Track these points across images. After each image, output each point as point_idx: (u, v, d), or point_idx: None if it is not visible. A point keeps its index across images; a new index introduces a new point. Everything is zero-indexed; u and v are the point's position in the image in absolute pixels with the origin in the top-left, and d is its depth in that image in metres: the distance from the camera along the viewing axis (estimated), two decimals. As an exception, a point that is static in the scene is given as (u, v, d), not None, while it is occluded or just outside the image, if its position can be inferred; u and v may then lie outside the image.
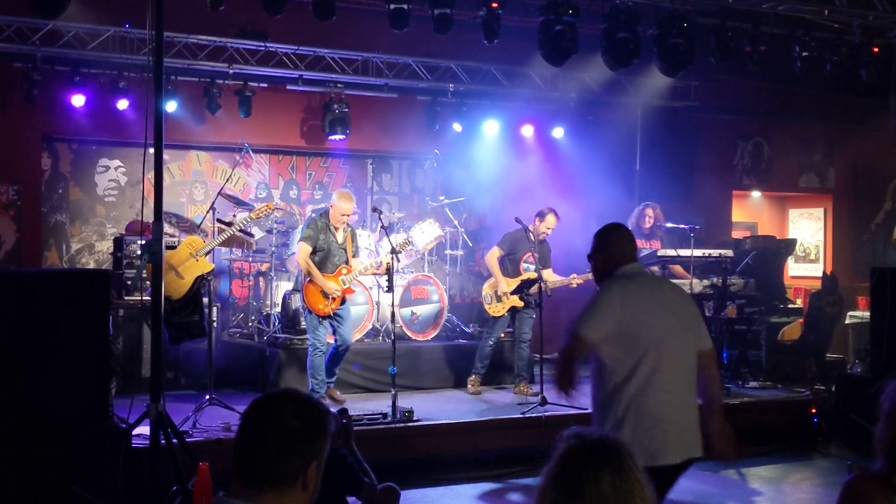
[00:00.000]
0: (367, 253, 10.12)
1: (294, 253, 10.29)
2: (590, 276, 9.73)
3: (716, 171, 14.33)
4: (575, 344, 4.35)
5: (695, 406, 4.40)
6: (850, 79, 10.53)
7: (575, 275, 9.80)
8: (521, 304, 9.76)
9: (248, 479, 2.29)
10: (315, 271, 8.63)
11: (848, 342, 12.80)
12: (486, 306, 9.84)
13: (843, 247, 15.39)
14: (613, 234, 4.62)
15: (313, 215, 9.01)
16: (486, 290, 9.87)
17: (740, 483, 8.26)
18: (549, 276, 9.79)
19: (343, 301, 8.81)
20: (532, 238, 9.56)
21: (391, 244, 8.83)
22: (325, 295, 8.65)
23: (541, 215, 9.79)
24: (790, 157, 15.14)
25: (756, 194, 15.57)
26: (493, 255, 9.85)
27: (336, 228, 8.79)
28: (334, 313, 8.74)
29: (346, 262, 8.87)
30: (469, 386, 9.90)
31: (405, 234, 10.59)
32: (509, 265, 9.82)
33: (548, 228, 9.77)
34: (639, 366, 4.26)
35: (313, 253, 8.72)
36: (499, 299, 9.74)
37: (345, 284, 8.77)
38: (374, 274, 9.34)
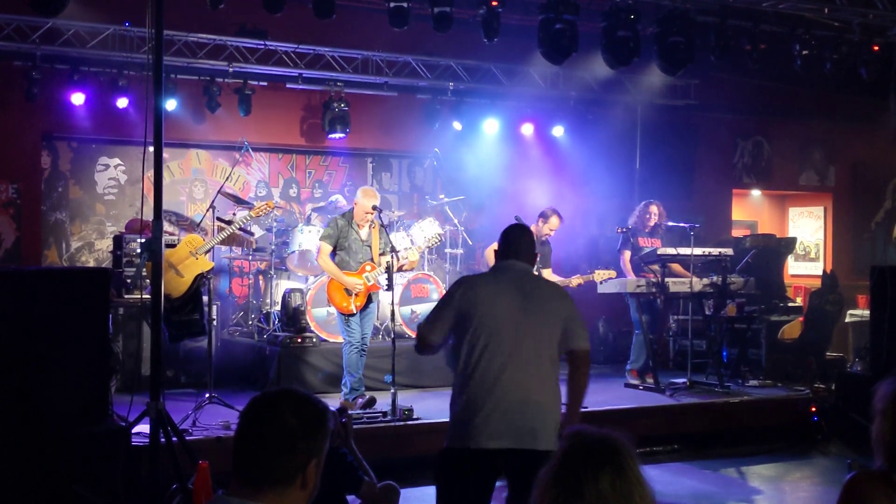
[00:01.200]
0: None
1: (294, 252, 10.29)
2: (591, 276, 9.79)
3: (716, 169, 14.34)
4: None
5: (535, 397, 4.38)
6: (851, 77, 10.52)
7: (578, 275, 9.80)
8: None
9: (248, 478, 2.29)
10: (334, 269, 8.57)
11: (848, 341, 12.80)
12: None
13: (843, 245, 15.39)
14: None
15: (335, 216, 8.94)
16: None
17: (740, 482, 8.26)
18: (549, 277, 9.78)
19: (369, 299, 8.75)
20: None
21: (391, 243, 8.81)
22: (349, 293, 8.60)
23: (544, 216, 9.77)
24: (790, 155, 15.14)
25: (756, 193, 15.57)
26: (492, 250, 9.81)
27: (360, 226, 8.74)
28: (360, 311, 8.66)
29: (372, 259, 8.79)
30: None
31: (405, 233, 10.59)
32: None
33: (550, 230, 9.75)
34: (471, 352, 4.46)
35: (334, 252, 8.68)
36: None
37: (369, 281, 8.68)
38: (403, 270, 9.20)
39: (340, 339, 9.34)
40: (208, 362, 8.40)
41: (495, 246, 9.63)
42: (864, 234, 15.52)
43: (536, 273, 4.61)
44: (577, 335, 4.54)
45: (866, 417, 3.18)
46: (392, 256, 8.76)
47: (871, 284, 9.29)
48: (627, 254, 10.22)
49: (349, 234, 8.68)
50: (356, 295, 8.59)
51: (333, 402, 8.42)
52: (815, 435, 9.47)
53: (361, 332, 8.72)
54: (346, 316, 8.63)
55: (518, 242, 4.70)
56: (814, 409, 9.64)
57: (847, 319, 12.66)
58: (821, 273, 13.07)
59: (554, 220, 9.71)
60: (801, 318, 11.73)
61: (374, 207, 9.02)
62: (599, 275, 9.75)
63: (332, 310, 8.93)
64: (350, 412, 7.28)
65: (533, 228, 9.56)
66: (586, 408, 5.69)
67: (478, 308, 4.45)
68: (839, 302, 11.76)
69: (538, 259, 9.36)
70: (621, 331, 12.03)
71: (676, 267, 10.39)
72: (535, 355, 4.42)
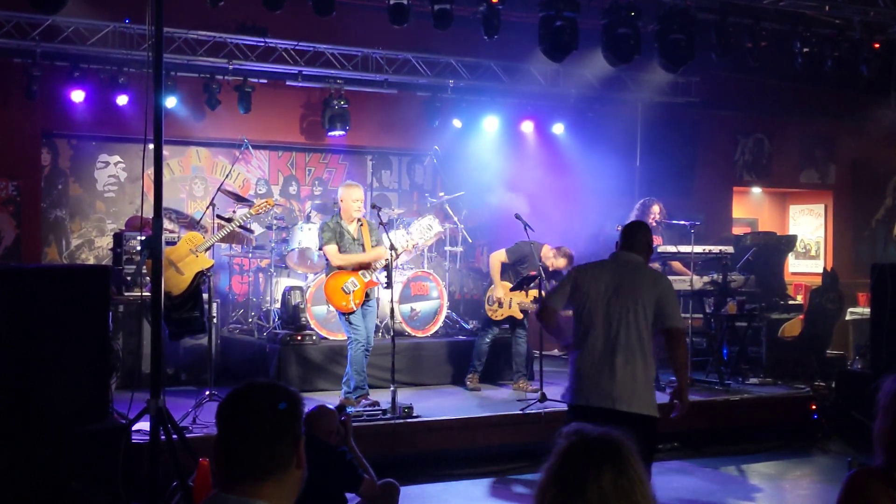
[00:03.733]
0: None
1: (294, 249, 10.28)
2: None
3: (716, 167, 14.33)
4: None
5: (624, 366, 5.25)
6: (851, 75, 10.52)
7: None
8: (521, 316, 9.75)
9: (245, 473, 2.29)
10: (353, 258, 8.57)
11: (848, 338, 12.80)
12: (488, 307, 9.81)
13: (843, 243, 15.39)
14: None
15: (324, 221, 8.94)
16: (492, 294, 9.84)
17: (740, 479, 8.26)
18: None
19: (368, 296, 8.75)
20: (538, 258, 9.55)
21: (391, 241, 8.81)
22: (346, 291, 8.60)
23: (559, 252, 9.67)
24: (791, 153, 15.13)
25: (756, 190, 15.57)
26: (497, 259, 9.81)
27: (349, 223, 8.75)
28: (360, 307, 8.65)
29: None
30: (468, 382, 9.90)
31: (405, 230, 10.58)
32: (511, 276, 9.79)
33: (558, 267, 9.63)
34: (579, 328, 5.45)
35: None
36: (500, 305, 9.74)
37: (366, 278, 8.69)
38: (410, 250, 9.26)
39: (340, 337, 9.37)
40: (208, 360, 8.40)
41: (503, 256, 9.58)
42: (864, 231, 15.51)
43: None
44: (669, 315, 5.32)
45: (867, 415, 3.18)
46: (391, 255, 8.77)
47: (871, 282, 9.28)
48: None
49: (342, 234, 8.69)
50: (354, 293, 8.60)
51: (333, 400, 8.43)
52: (815, 433, 9.47)
53: (366, 329, 8.71)
54: (347, 315, 8.62)
55: (632, 237, 5.56)
56: (814, 406, 9.64)
57: (847, 317, 12.66)
58: (821, 271, 13.07)
59: (562, 262, 9.61)
60: (801, 316, 11.73)
61: (374, 206, 9.02)
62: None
63: (332, 307, 8.91)
64: (348, 410, 7.28)
65: (541, 253, 9.56)
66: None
67: (585, 288, 5.40)
68: (839, 300, 11.76)
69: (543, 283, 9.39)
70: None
71: (676, 265, 10.39)
72: (627, 331, 5.26)
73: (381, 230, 8.78)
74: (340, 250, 8.64)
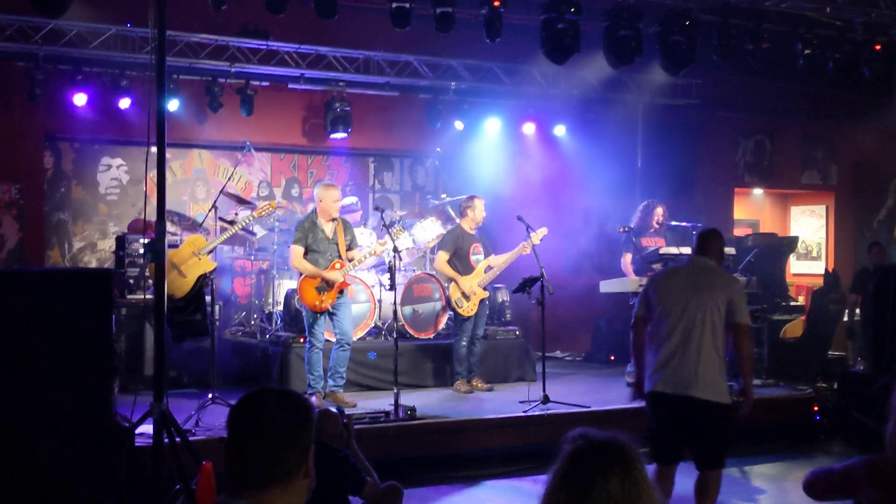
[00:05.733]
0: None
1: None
2: (532, 240, 9.70)
3: (717, 168, 14.34)
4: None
5: (697, 358, 5.79)
6: (853, 76, 10.52)
7: (523, 243, 9.77)
8: (486, 293, 9.83)
9: (252, 480, 2.30)
10: (311, 268, 8.63)
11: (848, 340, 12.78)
12: (459, 310, 9.76)
13: (845, 244, 15.38)
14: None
15: (300, 218, 8.99)
16: (454, 294, 9.79)
17: (743, 481, 8.26)
18: (497, 260, 9.89)
19: (341, 293, 8.79)
20: (470, 229, 9.78)
21: (394, 243, 8.83)
22: (320, 290, 8.64)
23: (472, 206, 9.83)
24: (792, 154, 15.14)
25: (758, 192, 15.57)
26: (442, 261, 9.79)
27: (325, 222, 8.78)
28: (332, 308, 8.72)
29: (339, 256, 8.83)
30: (457, 388, 9.83)
31: (407, 232, 10.59)
32: (459, 263, 9.81)
33: (482, 214, 9.86)
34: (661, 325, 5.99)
35: (305, 253, 8.73)
36: (467, 298, 9.74)
37: (339, 279, 8.75)
38: (373, 255, 9.31)
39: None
40: (211, 362, 8.40)
41: (444, 255, 9.91)
42: (866, 232, 15.50)
43: None
44: (738, 312, 5.83)
45: (869, 416, 3.21)
46: (394, 257, 8.79)
47: (873, 283, 9.28)
48: (629, 256, 10.22)
49: (316, 234, 8.72)
50: (328, 293, 8.64)
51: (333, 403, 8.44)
52: (817, 434, 9.46)
53: (342, 328, 8.75)
54: (315, 314, 8.66)
55: (706, 244, 6.10)
56: (816, 407, 9.63)
57: (847, 318, 12.64)
58: (822, 272, 13.06)
59: (480, 204, 9.86)
60: (803, 318, 11.72)
61: (377, 208, 9.05)
62: (536, 237, 9.73)
63: (304, 305, 8.90)
64: (348, 412, 7.30)
65: (466, 217, 9.81)
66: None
67: (665, 290, 5.99)
68: (841, 301, 11.75)
69: (484, 248, 9.80)
70: (624, 330, 12.01)
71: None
72: (703, 328, 5.78)
73: (384, 232, 8.79)
74: (312, 248, 8.72)
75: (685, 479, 6.65)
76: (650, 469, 5.44)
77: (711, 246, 6.09)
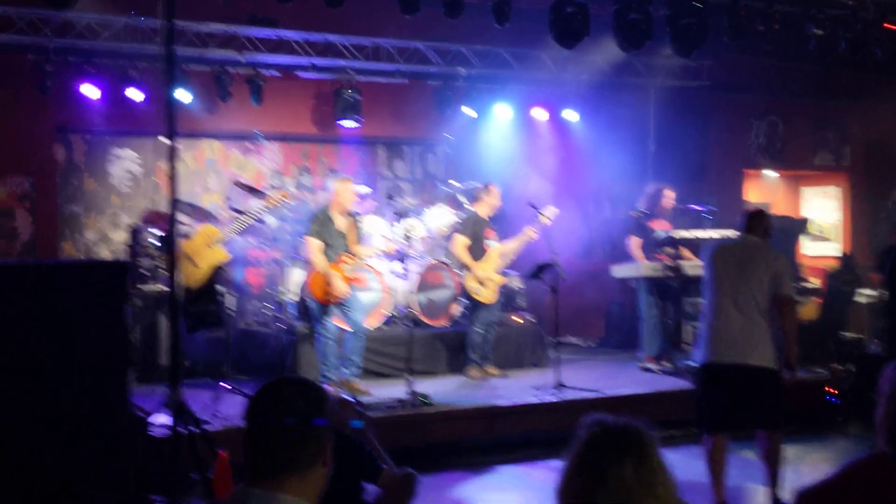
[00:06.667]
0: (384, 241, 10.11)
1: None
2: (541, 222, 9.72)
3: (729, 150, 14.29)
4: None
5: (748, 327, 6.26)
6: (865, 56, 10.44)
7: (529, 226, 9.80)
8: (504, 279, 9.84)
9: (271, 469, 2.31)
10: (326, 267, 8.61)
11: (864, 321, 12.73)
12: (477, 297, 9.78)
13: (859, 225, 15.31)
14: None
15: (313, 210, 8.99)
16: (470, 282, 9.79)
17: (758, 464, 8.23)
18: (508, 245, 9.90)
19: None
20: (485, 215, 9.89)
21: (406, 231, 8.84)
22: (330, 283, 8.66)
23: (489, 193, 9.91)
24: (804, 135, 15.07)
25: (769, 173, 15.50)
26: (461, 246, 9.79)
27: (338, 216, 8.78)
28: (342, 301, 8.72)
29: (347, 250, 8.83)
30: (470, 374, 9.84)
31: (418, 219, 10.59)
32: (474, 248, 9.82)
33: (498, 202, 9.97)
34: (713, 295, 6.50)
35: None
36: (483, 285, 9.74)
37: (347, 273, 8.74)
38: (384, 252, 9.31)
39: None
40: (226, 352, 8.43)
41: (463, 240, 10.01)
42: (880, 213, 15.40)
43: None
44: (781, 283, 6.28)
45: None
46: (407, 245, 8.80)
47: (888, 264, 9.23)
48: (636, 239, 10.19)
49: (330, 227, 8.72)
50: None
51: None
52: (834, 416, 9.44)
53: (353, 319, 8.76)
54: (324, 306, 8.67)
55: (754, 223, 6.53)
56: (832, 389, 9.60)
57: (863, 300, 12.59)
58: (836, 254, 13.01)
59: (496, 190, 10.01)
60: (818, 299, 11.67)
61: (389, 196, 9.06)
62: (546, 217, 9.74)
63: (314, 297, 8.92)
64: (360, 400, 7.32)
65: (482, 203, 9.94)
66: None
67: (720, 263, 6.47)
68: (856, 282, 11.70)
69: (496, 233, 9.90)
70: (636, 315, 12.00)
71: (685, 251, 10.34)
72: (751, 298, 6.25)
73: (396, 219, 8.79)
74: (324, 241, 8.72)
75: (704, 464, 6.66)
76: (706, 442, 6.44)
77: (758, 224, 6.55)
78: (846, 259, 12.20)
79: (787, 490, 6.42)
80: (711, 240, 8.94)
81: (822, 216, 15.54)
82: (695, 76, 12.95)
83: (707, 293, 6.55)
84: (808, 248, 14.95)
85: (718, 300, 6.40)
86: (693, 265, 9.91)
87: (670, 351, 10.01)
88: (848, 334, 11.45)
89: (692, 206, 10.62)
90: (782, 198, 15.80)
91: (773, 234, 6.86)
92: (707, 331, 6.46)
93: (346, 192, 8.76)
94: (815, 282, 12.22)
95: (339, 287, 8.56)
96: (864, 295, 12.41)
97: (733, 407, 6.34)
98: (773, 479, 6.52)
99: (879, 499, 2.99)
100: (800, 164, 15.24)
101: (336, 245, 8.75)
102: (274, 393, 2.40)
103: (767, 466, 6.53)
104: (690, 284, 10.44)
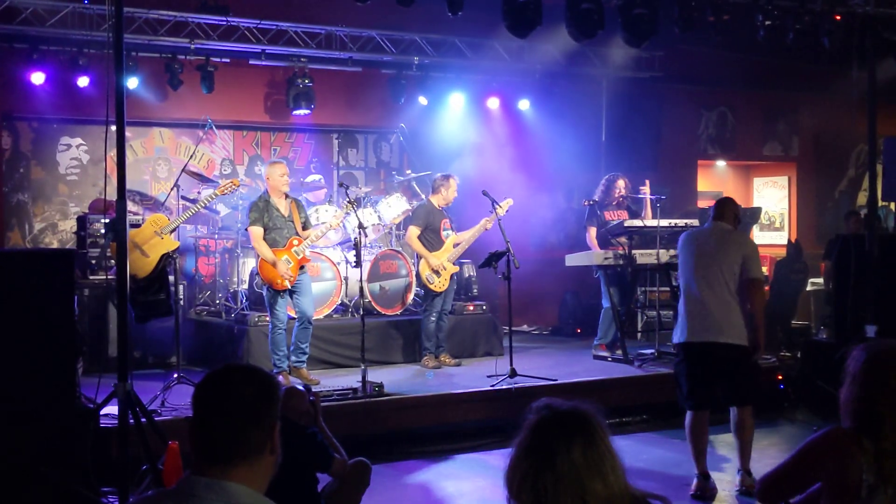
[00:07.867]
0: (337, 231, 10.06)
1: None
2: (497, 213, 9.75)
3: (681, 140, 14.41)
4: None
5: (720, 308, 6.60)
6: (813, 47, 10.57)
7: (486, 218, 9.84)
8: (457, 268, 9.88)
9: (217, 456, 2.29)
10: (270, 255, 8.56)
11: (810, 309, 12.94)
12: (430, 286, 9.77)
13: (807, 214, 15.54)
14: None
15: (253, 200, 8.93)
16: (424, 270, 9.79)
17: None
18: (463, 235, 9.94)
19: (302, 269, 8.76)
20: (439, 206, 9.87)
21: (359, 220, 8.80)
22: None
23: (446, 185, 9.87)
24: (754, 125, 15.25)
25: (721, 163, 15.67)
26: (413, 236, 9.79)
27: (278, 200, 8.74)
28: (293, 286, 8.69)
29: (296, 234, 8.80)
30: (425, 363, 9.84)
31: (372, 209, 10.56)
32: (429, 238, 9.83)
33: (454, 194, 9.93)
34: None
35: (265, 233, 8.68)
36: (438, 274, 9.75)
37: (298, 255, 8.71)
38: (330, 228, 9.27)
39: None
40: (176, 342, 8.35)
41: (415, 230, 10.05)
42: (827, 202, 15.67)
43: None
44: (750, 269, 6.62)
45: (832, 384, 3.23)
46: (360, 233, 8.76)
47: (834, 253, 9.38)
48: (593, 230, 10.24)
49: (271, 212, 8.68)
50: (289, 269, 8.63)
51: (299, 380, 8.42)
52: (781, 402, 9.57)
53: (301, 307, 8.73)
54: (277, 292, 8.63)
55: (722, 210, 6.94)
56: (780, 377, 9.74)
57: (809, 288, 12.80)
58: (785, 242, 13.18)
59: (454, 183, 9.95)
60: (766, 288, 11.83)
61: (341, 184, 9.01)
62: (502, 209, 9.77)
63: (265, 284, 8.86)
64: (314, 389, 7.29)
65: (440, 195, 9.87)
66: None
67: (690, 250, 6.82)
68: (804, 270, 11.87)
69: (453, 224, 9.98)
70: (590, 304, 12.08)
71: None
72: (723, 281, 6.59)
73: (349, 208, 8.74)
74: (269, 227, 8.68)
75: (655, 451, 6.73)
76: (688, 417, 6.73)
77: (728, 212, 6.92)
78: (794, 247, 12.37)
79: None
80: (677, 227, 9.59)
81: (772, 206, 15.75)
82: (646, 67, 13.04)
83: (682, 277, 6.87)
84: (756, 237, 15.15)
85: (693, 283, 6.70)
86: (648, 253, 9.98)
87: (622, 339, 10.08)
88: (795, 322, 11.64)
89: (644, 194, 10.67)
90: (734, 187, 15.98)
91: (741, 220, 7.18)
92: (683, 312, 6.77)
93: (276, 174, 8.71)
94: (763, 270, 12.39)
95: (283, 268, 8.52)
96: (811, 283, 12.63)
97: (710, 383, 6.69)
98: (743, 452, 6.86)
99: (839, 470, 3.05)
100: (750, 155, 15.43)
101: (284, 228, 8.71)
102: (220, 380, 2.38)
103: (738, 440, 6.83)
104: (643, 273, 10.54)
